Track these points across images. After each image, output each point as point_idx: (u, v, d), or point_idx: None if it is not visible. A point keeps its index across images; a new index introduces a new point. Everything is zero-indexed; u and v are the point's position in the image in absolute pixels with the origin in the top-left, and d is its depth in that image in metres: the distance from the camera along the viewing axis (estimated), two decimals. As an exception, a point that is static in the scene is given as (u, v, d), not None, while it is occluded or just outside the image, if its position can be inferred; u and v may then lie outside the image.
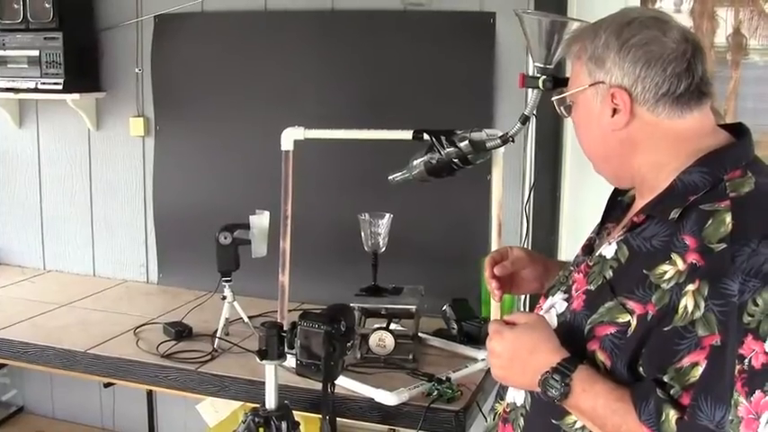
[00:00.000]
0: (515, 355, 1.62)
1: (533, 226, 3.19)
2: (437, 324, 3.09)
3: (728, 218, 1.44)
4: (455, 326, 3.01)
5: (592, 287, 1.61)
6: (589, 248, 1.77)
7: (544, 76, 2.10)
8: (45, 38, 3.58)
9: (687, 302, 1.41)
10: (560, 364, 1.54)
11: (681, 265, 1.45)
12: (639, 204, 1.65)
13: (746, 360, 1.38)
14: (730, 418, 1.38)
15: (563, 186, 3.19)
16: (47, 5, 3.53)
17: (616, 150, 1.62)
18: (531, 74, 2.14)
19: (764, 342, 1.38)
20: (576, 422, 1.59)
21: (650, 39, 1.53)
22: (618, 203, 1.81)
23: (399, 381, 2.64)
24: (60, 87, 3.60)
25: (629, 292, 1.51)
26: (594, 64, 1.59)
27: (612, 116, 1.58)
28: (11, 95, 3.76)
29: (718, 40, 3.28)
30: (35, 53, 3.61)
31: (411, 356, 2.78)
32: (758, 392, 1.39)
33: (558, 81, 2.13)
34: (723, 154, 1.54)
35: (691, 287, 1.42)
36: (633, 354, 1.49)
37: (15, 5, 3.57)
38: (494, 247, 2.57)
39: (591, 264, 1.66)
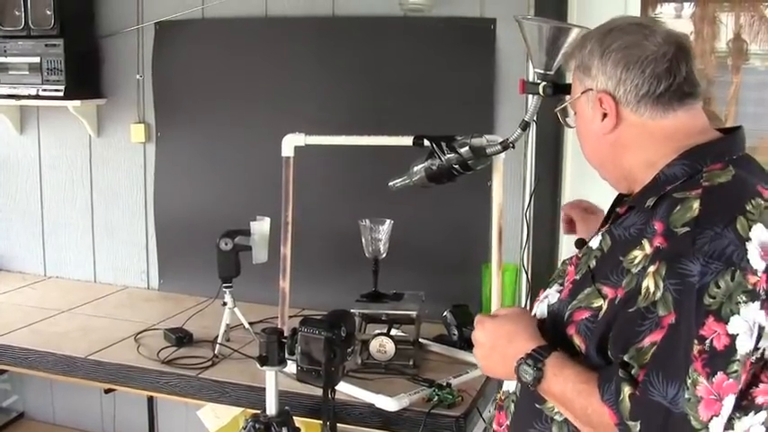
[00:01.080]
0: (495, 344, 1.71)
1: (534, 231, 3.18)
2: (438, 330, 3.09)
3: (696, 204, 1.48)
4: (456, 332, 3.01)
5: (578, 277, 1.69)
6: (581, 242, 1.83)
7: (544, 83, 2.10)
8: (46, 45, 3.58)
9: (649, 283, 1.46)
10: (534, 350, 1.62)
11: (648, 250, 1.51)
12: None
13: (707, 341, 1.40)
14: (687, 396, 1.40)
15: (563, 192, 3.19)
16: (48, 12, 3.54)
17: (609, 154, 1.69)
18: (531, 80, 2.14)
19: (726, 324, 1.40)
20: (555, 406, 1.64)
21: (630, 43, 1.60)
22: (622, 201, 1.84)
23: (400, 386, 2.64)
24: (61, 94, 3.61)
25: (605, 278, 1.58)
26: (583, 72, 1.67)
27: (602, 120, 1.65)
28: (12, 102, 3.76)
29: (719, 45, 3.28)
30: (36, 60, 3.62)
31: (411, 362, 2.78)
32: (720, 374, 1.40)
33: (558, 87, 2.14)
34: (706, 148, 1.59)
35: (652, 268, 1.47)
36: (602, 337, 1.55)
37: (17, 12, 3.58)
38: (494, 253, 2.58)
39: (580, 255, 1.74)
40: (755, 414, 1.52)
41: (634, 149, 1.65)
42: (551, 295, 1.76)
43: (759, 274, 1.42)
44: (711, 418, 1.40)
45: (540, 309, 1.78)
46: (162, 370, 2.88)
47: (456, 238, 3.33)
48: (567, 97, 1.77)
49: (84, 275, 4.05)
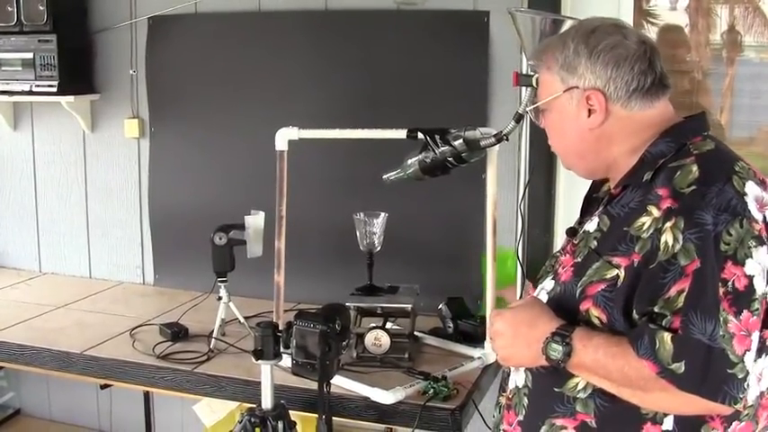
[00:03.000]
0: (517, 332, 1.77)
1: (528, 224, 3.17)
2: (433, 323, 3.09)
3: (695, 168, 1.61)
4: (451, 324, 3.02)
5: (579, 259, 1.74)
6: (573, 231, 1.87)
7: (538, 75, 2.10)
8: (39, 40, 3.57)
9: (667, 238, 1.56)
10: (558, 328, 1.68)
11: (657, 213, 1.60)
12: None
13: (729, 283, 1.52)
14: (722, 333, 1.50)
15: (558, 184, 3.20)
16: (41, 8, 3.53)
17: (593, 146, 1.79)
18: (524, 72, 2.14)
19: (743, 266, 1.53)
20: (577, 385, 1.70)
21: (615, 43, 1.71)
22: (594, 200, 1.93)
23: (395, 379, 2.64)
24: (55, 90, 3.60)
25: (613, 249, 1.65)
26: (567, 71, 1.75)
27: (589, 116, 1.74)
28: (5, 98, 3.75)
29: (714, 37, 3.28)
30: (29, 56, 3.61)
31: (407, 355, 2.78)
32: (746, 312, 1.52)
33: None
34: (683, 126, 1.75)
35: (668, 224, 1.56)
36: (627, 300, 1.62)
37: (9, 8, 3.56)
38: (489, 245, 2.58)
39: (576, 242, 1.79)
40: (767, 356, 1.64)
41: (620, 140, 1.76)
42: (547, 285, 1.82)
43: (760, 223, 1.57)
44: (745, 353, 1.51)
45: (540, 296, 1.83)
46: (157, 365, 2.88)
47: (451, 230, 3.33)
48: (540, 94, 1.85)
49: (79, 271, 4.04)
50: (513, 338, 1.78)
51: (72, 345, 3.03)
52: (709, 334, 1.49)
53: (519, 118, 2.24)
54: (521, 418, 1.83)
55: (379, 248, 2.91)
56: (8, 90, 3.69)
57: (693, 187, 1.58)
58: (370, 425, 2.67)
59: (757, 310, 1.53)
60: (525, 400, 1.82)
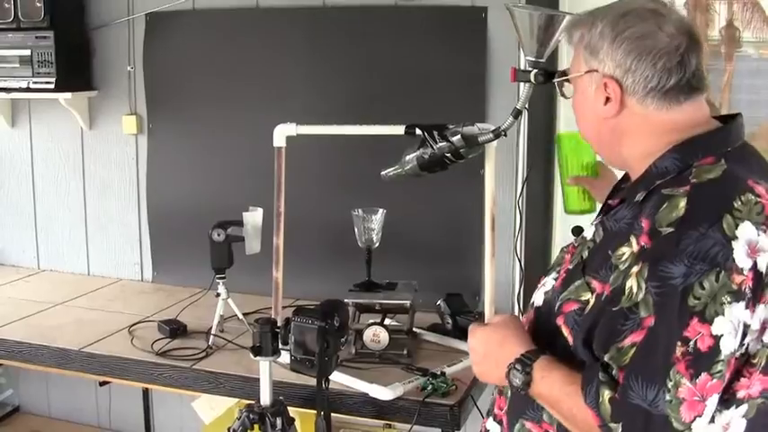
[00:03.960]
0: (488, 350, 1.76)
1: (527, 220, 3.18)
2: (431, 319, 3.10)
3: (683, 203, 1.47)
4: (449, 320, 3.02)
5: (571, 266, 1.70)
6: (578, 230, 1.82)
7: (536, 70, 2.09)
8: (36, 37, 3.57)
9: (632, 284, 1.47)
10: (523, 354, 1.64)
11: (635, 248, 1.51)
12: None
13: (691, 342, 1.40)
14: (668, 398, 1.40)
15: (556, 180, 3.19)
16: (38, 4, 3.52)
17: (607, 137, 1.68)
18: (522, 68, 2.14)
19: (711, 325, 1.39)
20: None
21: (645, 32, 1.56)
22: (619, 190, 1.81)
23: (394, 376, 2.65)
24: (52, 86, 3.59)
25: (595, 271, 1.60)
26: (590, 53, 1.63)
27: (605, 104, 1.62)
28: (3, 95, 3.75)
29: (712, 32, 3.28)
30: (27, 52, 3.60)
31: (405, 351, 2.78)
32: (704, 375, 1.40)
33: (549, 75, 2.13)
34: (698, 140, 1.57)
35: (635, 269, 1.47)
36: (588, 332, 1.56)
37: (6, 5, 3.56)
38: (487, 241, 2.57)
39: (576, 245, 1.75)
40: (736, 408, 1.52)
41: (633, 138, 1.64)
42: (548, 283, 1.78)
43: (745, 272, 1.41)
44: (695, 419, 1.41)
45: (538, 296, 1.80)
46: (156, 362, 2.88)
47: (449, 226, 3.33)
48: (568, 70, 1.75)
49: (77, 268, 4.04)
50: (484, 357, 1.77)
51: (70, 342, 3.03)
52: (650, 400, 1.41)
53: (517, 114, 2.23)
54: (506, 408, 1.83)
55: (377, 244, 2.91)
56: (5, 87, 3.68)
57: (671, 229, 1.45)
58: (369, 421, 2.68)
59: (720, 372, 1.41)
60: (509, 393, 1.81)
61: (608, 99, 1.61)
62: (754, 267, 1.42)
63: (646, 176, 1.60)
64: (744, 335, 1.43)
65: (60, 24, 3.58)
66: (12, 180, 4.10)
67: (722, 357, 1.40)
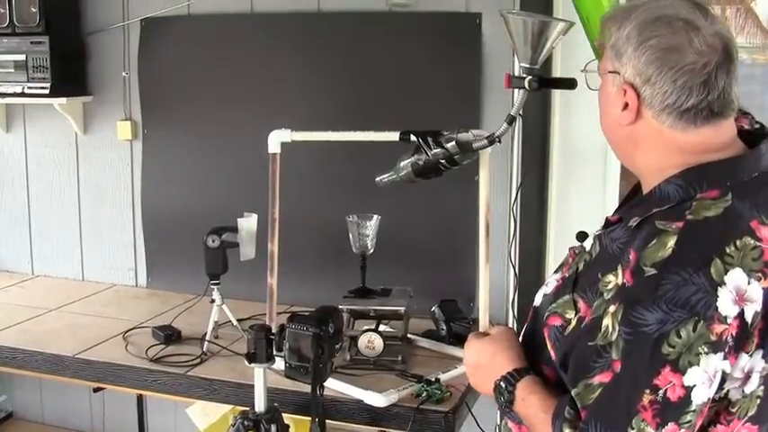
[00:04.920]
0: (479, 363, 1.77)
1: (521, 226, 3.19)
2: (426, 325, 3.09)
3: (672, 242, 1.41)
4: (444, 327, 3.02)
5: (568, 274, 1.68)
6: (582, 236, 1.76)
7: (530, 77, 2.10)
8: (31, 42, 3.57)
9: (608, 323, 1.43)
10: (509, 372, 1.66)
11: (620, 280, 1.46)
12: None
13: (661, 391, 1.35)
14: None
15: (550, 186, 3.20)
16: (33, 9, 3.52)
17: (622, 141, 1.61)
18: (517, 74, 2.14)
19: (683, 375, 1.34)
20: None
21: (671, 45, 1.47)
22: (639, 193, 1.70)
23: (388, 382, 2.64)
24: (47, 92, 3.59)
25: (583, 291, 1.56)
26: (615, 54, 1.55)
27: (623, 110, 1.54)
28: (-3, 100, 3.75)
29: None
30: (22, 57, 3.60)
31: (400, 358, 2.78)
32: (671, 425, 1.35)
33: (543, 81, 2.14)
34: (708, 169, 1.49)
35: (612, 307, 1.43)
36: (564, 356, 1.55)
37: (1, 10, 3.56)
38: (482, 247, 2.58)
39: (576, 252, 1.72)
40: None
41: (646, 149, 1.55)
42: (550, 284, 1.75)
43: (729, 320, 1.35)
44: None
45: (538, 295, 1.78)
46: (150, 368, 2.87)
47: (443, 233, 3.34)
48: (598, 64, 1.65)
49: (71, 274, 4.04)
50: (476, 369, 1.79)
51: (65, 348, 3.02)
52: None
53: (511, 120, 2.24)
54: None
55: (371, 251, 2.91)
56: (0, 92, 3.68)
57: (654, 271, 1.39)
58: (364, 428, 2.66)
59: (689, 422, 1.36)
60: None
61: (626, 105, 1.53)
62: (741, 316, 1.36)
63: (646, 199, 1.55)
64: (723, 380, 1.38)
65: (55, 30, 3.58)
66: (6, 185, 4.10)
67: (693, 408, 1.36)
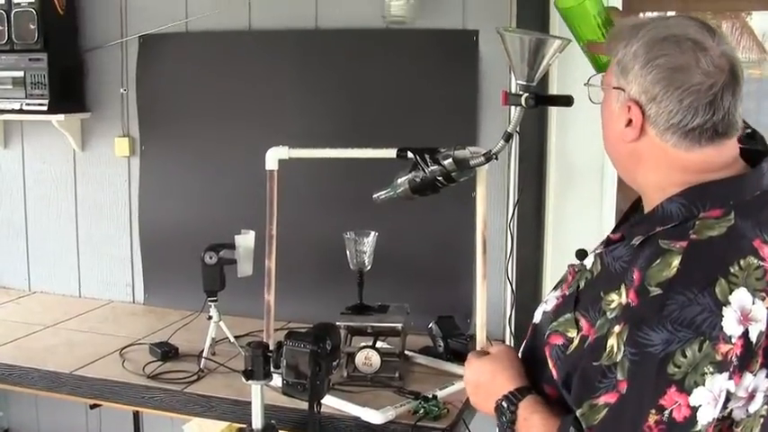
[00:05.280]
0: (480, 382, 1.76)
1: (518, 242, 3.20)
2: (423, 342, 3.09)
3: (676, 261, 1.41)
4: (441, 343, 3.02)
5: (568, 292, 1.66)
6: (582, 254, 1.75)
7: (526, 94, 2.11)
8: (30, 59, 3.57)
9: (613, 343, 1.42)
10: (510, 392, 1.65)
11: (623, 299, 1.46)
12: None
13: (666, 411, 1.35)
14: None
15: (547, 203, 3.20)
16: (32, 27, 3.53)
17: (624, 159, 1.61)
18: (513, 91, 2.15)
19: (689, 395, 1.34)
20: None
21: (679, 65, 1.47)
22: (640, 208, 1.71)
23: (386, 399, 2.64)
24: (45, 108, 3.59)
25: (585, 309, 1.55)
26: (620, 70, 1.55)
27: (626, 126, 1.54)
28: (-5, 116, 3.75)
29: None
30: (20, 74, 3.61)
31: (397, 374, 2.78)
32: None
33: (540, 98, 2.15)
34: (710, 188, 1.49)
35: (617, 328, 1.42)
36: (567, 376, 1.54)
37: (0, 27, 3.57)
38: (479, 264, 2.58)
39: (576, 270, 1.71)
40: None
41: (648, 167, 1.55)
42: (550, 301, 1.74)
43: (733, 340, 1.35)
44: None
45: (538, 312, 1.77)
46: (147, 385, 2.86)
47: (440, 249, 3.34)
48: (602, 78, 1.66)
49: (68, 290, 4.03)
50: (476, 388, 1.78)
51: (61, 364, 3.02)
52: None
53: (508, 137, 2.24)
54: None
55: (369, 267, 2.91)
56: (-1, 108, 3.69)
57: (659, 291, 1.38)
58: (361, 444, 2.66)
59: None
60: None
61: (630, 122, 1.53)
62: (745, 335, 1.36)
63: (649, 217, 1.55)
64: (727, 400, 1.38)
65: (54, 46, 3.59)
66: (3, 201, 4.09)
67: (698, 428, 1.35)
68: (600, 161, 3.10)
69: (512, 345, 2.89)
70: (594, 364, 1.44)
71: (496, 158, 2.33)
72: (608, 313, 1.47)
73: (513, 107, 2.18)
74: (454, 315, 3.13)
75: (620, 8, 2.99)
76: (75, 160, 3.93)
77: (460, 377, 2.79)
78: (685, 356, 1.34)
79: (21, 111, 3.64)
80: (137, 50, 3.71)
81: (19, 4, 3.54)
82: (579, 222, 3.16)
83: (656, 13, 3.39)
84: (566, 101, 2.20)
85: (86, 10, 3.77)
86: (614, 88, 1.56)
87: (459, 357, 2.95)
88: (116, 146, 3.81)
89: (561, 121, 3.13)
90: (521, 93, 2.12)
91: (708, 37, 1.49)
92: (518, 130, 2.27)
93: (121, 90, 3.77)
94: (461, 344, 2.99)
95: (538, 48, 2.09)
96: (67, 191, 3.97)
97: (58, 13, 3.54)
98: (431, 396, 2.61)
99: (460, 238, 3.17)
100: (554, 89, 3.02)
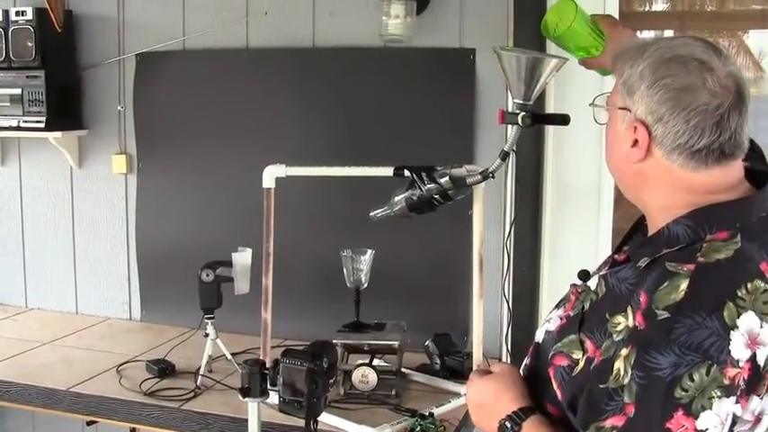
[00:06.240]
0: (482, 402, 1.74)
1: (515, 261, 3.20)
2: (420, 359, 3.09)
3: (684, 284, 1.40)
4: (438, 361, 3.02)
5: (572, 313, 1.66)
6: (585, 275, 1.74)
7: (523, 113, 2.12)
8: (27, 76, 3.58)
9: (620, 366, 1.42)
10: (514, 412, 1.63)
11: (630, 322, 1.45)
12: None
13: None
14: None
15: (544, 221, 3.21)
16: (29, 44, 3.54)
17: (629, 179, 1.60)
18: (510, 110, 2.16)
19: (696, 419, 1.34)
20: None
21: (685, 85, 1.46)
22: (643, 227, 1.71)
23: (382, 416, 2.64)
24: (42, 125, 3.60)
25: (590, 331, 1.55)
26: (626, 90, 1.54)
27: (632, 146, 1.53)
28: (-7, 134, 3.76)
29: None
30: (17, 91, 3.62)
31: (394, 392, 2.78)
32: None
33: (537, 117, 2.16)
34: (717, 210, 1.49)
35: (624, 351, 1.42)
36: (573, 398, 1.53)
37: (-3, 44, 3.59)
38: (475, 282, 2.59)
39: (579, 291, 1.70)
40: None
41: (654, 187, 1.55)
42: (552, 320, 1.73)
43: (741, 364, 1.35)
44: None
45: (540, 331, 1.76)
46: (144, 402, 2.86)
47: (437, 267, 3.34)
48: (607, 98, 1.64)
49: (65, 307, 4.02)
50: (478, 408, 1.75)
51: (58, 381, 3.02)
52: None
53: (505, 156, 2.25)
54: None
55: (366, 285, 2.92)
56: (-4, 126, 3.69)
57: (666, 314, 1.38)
58: (358, 462, 2.66)
59: None
60: None
61: (636, 142, 1.52)
62: (753, 359, 1.35)
63: (654, 239, 1.54)
64: (733, 423, 1.36)
65: (51, 64, 3.60)
66: (1, 218, 4.09)
67: None
68: (596, 180, 3.11)
69: (509, 363, 2.88)
70: (601, 386, 1.44)
71: (493, 177, 2.34)
72: (614, 335, 1.47)
73: (509, 126, 2.19)
74: (451, 333, 3.14)
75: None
76: (72, 177, 3.94)
77: (457, 395, 2.80)
78: (693, 380, 1.34)
79: (18, 128, 3.65)
80: (134, 68, 3.72)
81: (17, 21, 3.56)
82: (576, 241, 3.17)
83: (652, 32, 3.42)
84: (562, 120, 2.21)
85: (84, 27, 3.78)
86: (620, 108, 1.55)
87: (456, 375, 2.96)
88: (113, 163, 3.81)
89: (558, 140, 3.14)
90: (517, 111, 2.13)
91: (714, 57, 1.48)
92: (515, 148, 2.28)
93: (119, 107, 3.77)
94: (458, 361, 2.99)
95: (534, 66, 2.10)
96: (65, 208, 3.97)
97: (56, 31, 3.53)
98: (427, 414, 2.60)
99: (457, 256, 3.17)
100: (551, 108, 3.03)
